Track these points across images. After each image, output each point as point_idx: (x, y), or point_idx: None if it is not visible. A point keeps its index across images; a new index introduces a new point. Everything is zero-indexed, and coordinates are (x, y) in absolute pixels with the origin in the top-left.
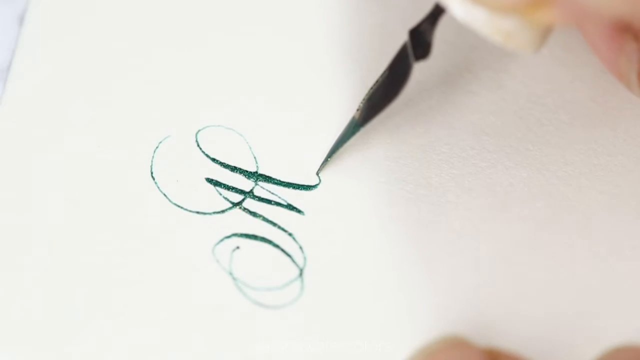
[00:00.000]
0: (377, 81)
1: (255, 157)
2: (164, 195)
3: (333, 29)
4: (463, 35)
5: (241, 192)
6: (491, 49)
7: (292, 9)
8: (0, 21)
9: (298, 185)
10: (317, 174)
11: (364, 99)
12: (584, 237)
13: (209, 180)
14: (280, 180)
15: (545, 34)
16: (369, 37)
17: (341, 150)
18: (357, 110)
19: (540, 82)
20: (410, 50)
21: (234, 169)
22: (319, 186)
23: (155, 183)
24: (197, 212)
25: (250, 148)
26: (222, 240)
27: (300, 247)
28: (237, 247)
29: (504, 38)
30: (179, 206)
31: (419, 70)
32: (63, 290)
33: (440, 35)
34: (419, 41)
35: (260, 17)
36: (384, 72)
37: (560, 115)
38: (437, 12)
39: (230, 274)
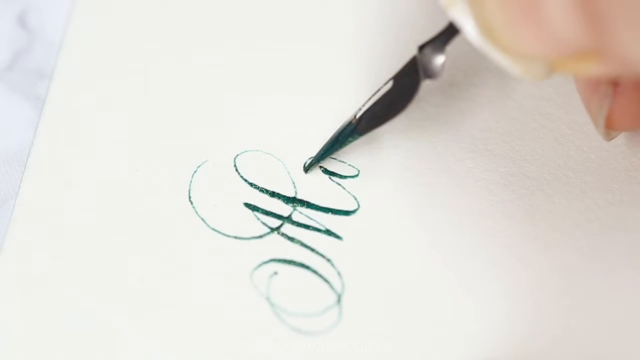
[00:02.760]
0: (378, 90)
1: (293, 182)
2: (202, 219)
3: (366, 48)
4: None
5: (279, 217)
6: None
7: (323, 29)
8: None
9: (337, 210)
10: (305, 172)
11: (362, 107)
12: (625, 265)
13: (248, 205)
14: (318, 206)
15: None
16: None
17: (379, 175)
18: (354, 116)
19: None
20: (420, 66)
21: (272, 194)
22: (357, 212)
23: (193, 207)
24: (235, 237)
25: (288, 173)
26: (260, 265)
27: (339, 273)
28: (275, 273)
29: (523, 71)
30: (216, 231)
31: (460, 98)
32: (96, 313)
33: (483, 64)
34: (429, 59)
35: (299, 40)
36: (387, 82)
37: (600, 142)
38: (450, 32)
39: (268, 299)
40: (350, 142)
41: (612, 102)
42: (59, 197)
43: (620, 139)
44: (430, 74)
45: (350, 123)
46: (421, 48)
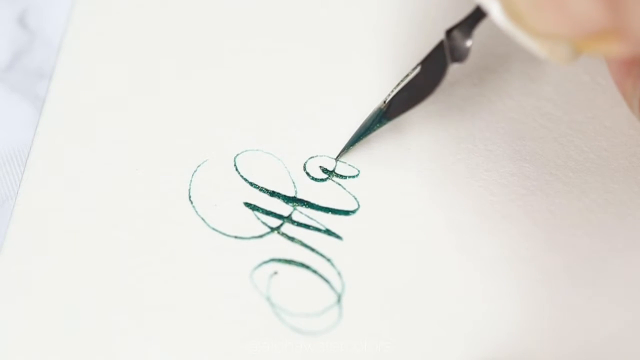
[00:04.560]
0: (407, 75)
1: (293, 182)
2: (202, 219)
3: (370, 44)
4: (505, 62)
5: (280, 216)
6: (533, 77)
7: (325, 28)
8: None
9: (337, 210)
10: (337, 159)
11: (392, 92)
12: (624, 265)
13: (248, 205)
14: (318, 205)
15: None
16: (405, 47)
17: (379, 175)
18: (384, 102)
19: (580, 109)
20: (447, 50)
21: (272, 193)
22: (357, 211)
23: (193, 207)
24: (235, 237)
25: (288, 172)
26: (260, 265)
27: (339, 273)
28: (275, 273)
29: (548, 53)
30: (217, 230)
31: (460, 97)
32: (96, 313)
33: (482, 63)
34: (457, 43)
35: (299, 40)
36: (415, 67)
37: (600, 142)
38: (477, 16)
39: (268, 299)
40: (379, 127)
41: None
42: (59, 196)
43: (620, 138)
44: (457, 58)
45: (379, 109)
46: (448, 32)
